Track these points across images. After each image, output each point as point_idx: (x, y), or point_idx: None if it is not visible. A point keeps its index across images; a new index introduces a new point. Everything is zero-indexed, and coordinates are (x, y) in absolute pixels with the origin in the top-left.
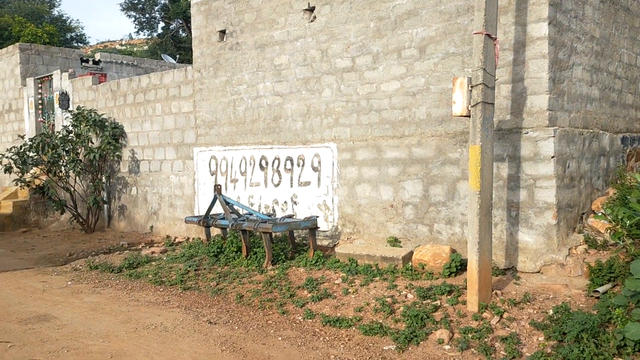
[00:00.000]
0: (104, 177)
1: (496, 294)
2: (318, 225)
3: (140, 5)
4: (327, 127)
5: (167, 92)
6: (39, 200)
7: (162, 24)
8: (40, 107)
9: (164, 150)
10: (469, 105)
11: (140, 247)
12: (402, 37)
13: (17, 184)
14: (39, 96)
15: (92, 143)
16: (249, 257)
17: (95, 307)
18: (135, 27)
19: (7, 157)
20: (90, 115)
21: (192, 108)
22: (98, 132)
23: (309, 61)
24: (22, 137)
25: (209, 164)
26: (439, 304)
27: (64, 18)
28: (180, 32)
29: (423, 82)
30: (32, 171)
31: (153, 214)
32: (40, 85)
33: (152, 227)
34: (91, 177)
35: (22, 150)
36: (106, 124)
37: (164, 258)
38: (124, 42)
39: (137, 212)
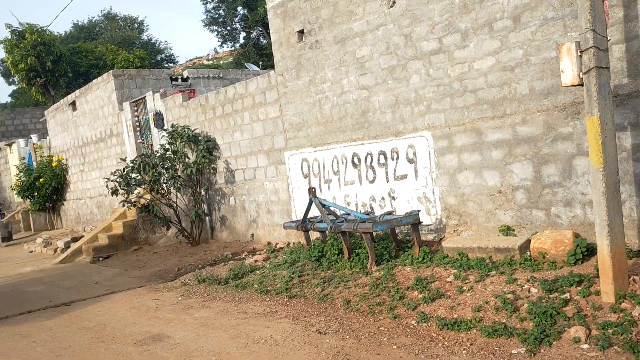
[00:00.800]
0: (202, 190)
1: (634, 280)
2: (421, 220)
3: (221, 19)
4: (419, 116)
5: (253, 100)
6: (146, 219)
7: (243, 34)
8: (138, 128)
9: (256, 158)
10: (580, 73)
11: (243, 256)
12: (492, 8)
13: (123, 205)
14: (136, 118)
15: (189, 158)
16: (351, 259)
17: (205, 322)
18: (218, 41)
19: (112, 180)
20: (184, 131)
21: (278, 112)
22: (193, 147)
23: (392, 49)
24: (124, 160)
25: (301, 167)
26: (569, 297)
27: (152, 41)
28: (261, 40)
29: (521, 54)
30: (136, 191)
31: (252, 222)
32: (135, 108)
33: (252, 235)
34: (191, 192)
35: (125, 172)
36: (199, 138)
37: (267, 266)
38: (210, 57)
39: (237, 221)
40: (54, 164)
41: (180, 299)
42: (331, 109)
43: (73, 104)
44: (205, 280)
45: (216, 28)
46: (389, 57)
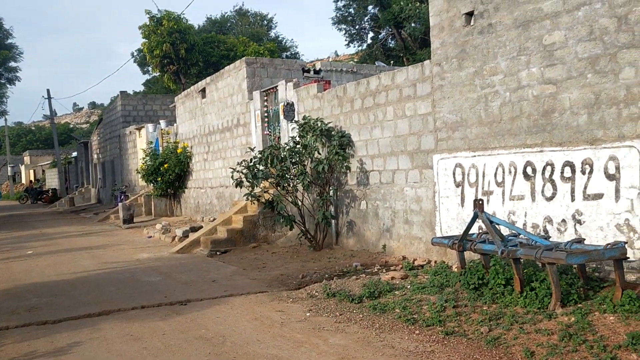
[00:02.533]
0: (330, 190)
1: None
2: (627, 255)
3: (351, 18)
4: (629, 120)
5: (400, 93)
6: (267, 215)
7: (371, 34)
8: (266, 119)
9: (396, 159)
10: None
11: (375, 269)
12: None
13: (247, 199)
14: (265, 109)
15: (319, 154)
16: (523, 293)
17: (344, 354)
18: (345, 40)
19: (238, 172)
20: (317, 124)
21: (430, 108)
22: (325, 142)
23: (597, 34)
24: (252, 150)
25: (453, 174)
26: None
27: (280, 38)
28: (389, 41)
29: None
30: (261, 185)
31: (385, 231)
32: (265, 98)
33: (384, 246)
34: (318, 191)
35: (252, 163)
36: (333, 132)
37: (408, 286)
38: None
39: (367, 228)
40: (179, 151)
41: (308, 314)
42: (500, 107)
43: (203, 91)
44: (336, 295)
45: (344, 27)
46: (590, 44)
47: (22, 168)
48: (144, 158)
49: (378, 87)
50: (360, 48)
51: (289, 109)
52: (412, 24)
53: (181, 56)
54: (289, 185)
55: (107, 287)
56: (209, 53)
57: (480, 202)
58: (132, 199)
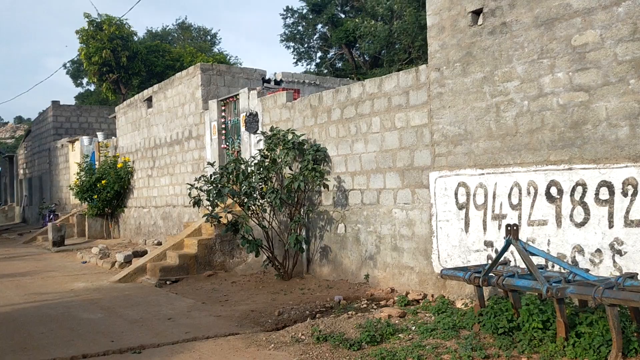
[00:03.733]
0: (302, 211)
1: None
2: None
3: (299, 36)
4: None
5: (389, 102)
6: (225, 239)
7: (319, 53)
8: (223, 132)
9: (382, 177)
10: None
11: (363, 304)
12: None
13: (207, 220)
14: (222, 120)
15: (291, 170)
16: (569, 340)
17: None
18: (293, 58)
19: (196, 188)
20: (287, 137)
21: (425, 119)
22: (296, 156)
23: None
24: (212, 165)
25: (455, 194)
26: None
27: (224, 54)
28: (337, 61)
29: None
30: (222, 205)
31: (368, 258)
32: (223, 108)
33: (367, 276)
34: (288, 212)
35: (213, 180)
36: (305, 146)
37: (412, 328)
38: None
39: (346, 255)
40: (119, 165)
41: None
42: (516, 118)
43: (149, 100)
44: (328, 339)
45: (293, 44)
46: (634, 45)
47: None
48: (78, 173)
49: (362, 96)
50: (308, 67)
51: (252, 119)
52: (366, 43)
53: (122, 64)
54: (254, 204)
55: (35, 328)
56: (152, 62)
57: (514, 228)
58: (62, 219)
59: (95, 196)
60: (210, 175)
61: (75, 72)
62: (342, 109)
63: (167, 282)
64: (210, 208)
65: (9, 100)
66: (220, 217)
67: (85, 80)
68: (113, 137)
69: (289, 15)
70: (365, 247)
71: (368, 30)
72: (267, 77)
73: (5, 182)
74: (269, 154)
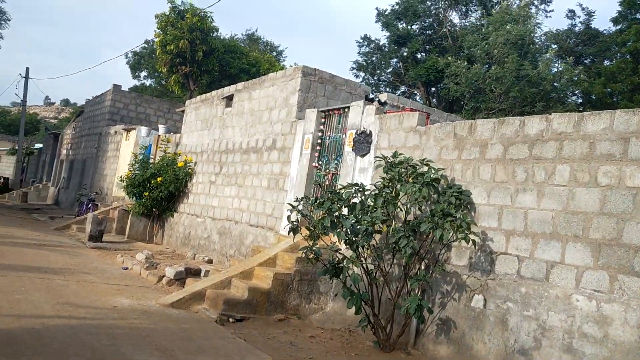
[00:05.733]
0: (420, 267)
1: None
2: None
3: (372, 66)
4: None
5: (591, 148)
6: (305, 278)
7: (388, 89)
8: (317, 148)
9: (560, 247)
10: None
11: None
12: None
13: (305, 255)
14: (319, 134)
15: (420, 211)
16: None
17: None
18: None
19: (295, 209)
20: (418, 168)
21: None
22: (428, 196)
23: None
24: (320, 185)
25: None
26: None
27: None
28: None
29: None
30: (303, 234)
31: (519, 353)
32: (323, 121)
33: None
34: (404, 264)
35: (331, 205)
36: (443, 186)
37: None
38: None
39: (480, 339)
40: (179, 165)
41: None
42: None
43: (229, 98)
44: None
45: (363, 74)
46: None
47: None
48: (132, 164)
49: (543, 133)
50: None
51: (363, 139)
52: (453, 83)
53: (197, 59)
54: (367, 247)
55: None
56: (228, 63)
57: None
58: (102, 211)
59: (147, 193)
60: (303, 199)
61: (136, 63)
62: (507, 146)
63: (230, 319)
64: (311, 241)
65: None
66: (322, 254)
67: (143, 74)
68: (176, 134)
69: (366, 44)
70: (515, 336)
71: (459, 71)
72: (370, 96)
73: (44, 160)
74: (391, 185)
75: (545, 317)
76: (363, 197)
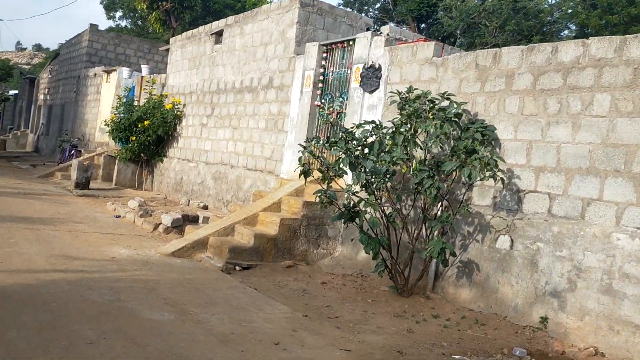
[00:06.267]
0: (439, 208)
1: None
2: None
3: (357, 3)
4: None
5: (634, 74)
6: (312, 222)
7: (375, 26)
8: (319, 85)
9: (598, 183)
10: None
11: None
12: None
13: (320, 198)
14: (321, 70)
15: (440, 149)
16: None
17: None
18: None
19: (307, 151)
20: (436, 103)
21: None
22: (449, 132)
23: None
24: (331, 124)
25: None
26: None
27: None
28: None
29: None
30: (315, 177)
31: (551, 295)
32: (325, 56)
33: (544, 319)
34: (421, 204)
35: (350, 147)
36: (464, 121)
37: None
38: None
39: (507, 281)
40: (167, 106)
41: None
42: None
43: (218, 34)
44: None
45: (350, 10)
46: None
47: None
48: (117, 108)
49: (579, 60)
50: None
51: (371, 74)
52: (447, 17)
53: None
54: (384, 189)
55: (77, 325)
56: None
57: None
58: (87, 157)
59: (134, 138)
60: (313, 139)
61: (110, 3)
62: (537, 75)
63: (236, 268)
64: (325, 183)
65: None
66: (337, 197)
67: (118, 14)
68: (160, 74)
69: None
70: (546, 277)
71: (454, 4)
72: (372, 28)
73: (21, 106)
74: (409, 122)
75: (581, 258)
76: (380, 136)
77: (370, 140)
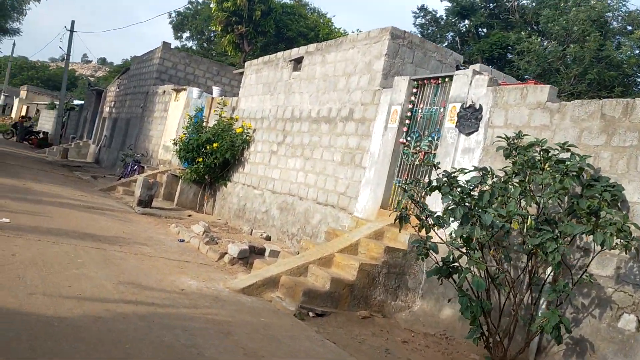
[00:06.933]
0: (547, 270)
1: None
2: None
3: (428, 39)
4: None
5: None
6: (393, 271)
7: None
8: (406, 122)
9: None
10: None
11: None
12: None
13: (418, 250)
14: (410, 106)
15: (559, 205)
16: None
17: None
18: None
19: (407, 194)
20: (554, 155)
21: None
22: (570, 188)
23: None
24: (436, 167)
25: None
26: None
27: None
28: None
29: None
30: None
31: None
32: (415, 91)
33: None
34: (528, 267)
35: (458, 194)
36: (582, 175)
37: None
38: None
39: None
40: (238, 130)
41: None
42: None
43: (297, 60)
44: None
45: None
46: None
47: (16, 101)
48: (186, 127)
49: None
50: None
51: (470, 115)
52: (525, 62)
53: (254, 18)
54: (490, 246)
55: None
56: (286, 25)
57: None
58: (150, 174)
59: (200, 159)
60: (413, 181)
61: (179, 23)
62: None
63: (310, 314)
64: (422, 230)
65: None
66: (431, 245)
67: (186, 35)
68: (232, 97)
69: (422, 15)
70: None
71: (533, 47)
72: (461, 67)
73: (85, 117)
74: (520, 172)
75: None
76: (492, 185)
77: (479, 189)
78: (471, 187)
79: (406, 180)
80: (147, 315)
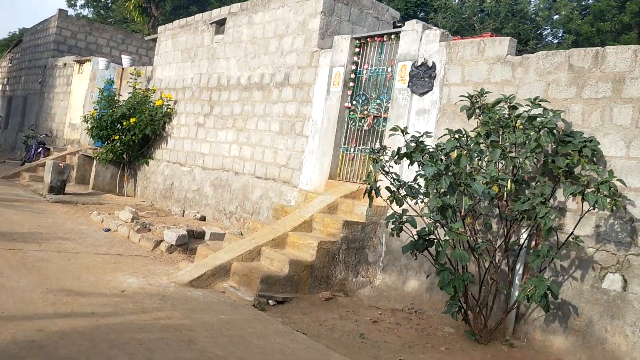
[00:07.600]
0: (523, 234)
1: None
2: None
3: None
4: None
5: None
6: (352, 246)
7: None
8: (350, 84)
9: None
10: None
11: None
12: None
13: (392, 224)
14: (353, 67)
15: (529, 166)
16: None
17: None
18: None
19: (378, 165)
20: (516, 110)
21: None
22: (545, 146)
23: None
24: (404, 132)
25: None
26: None
27: None
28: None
29: None
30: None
31: None
32: (357, 51)
33: None
34: (503, 233)
35: (436, 158)
36: (556, 131)
37: None
38: None
39: (618, 331)
40: (157, 103)
41: None
42: None
43: (220, 23)
44: None
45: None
46: None
47: None
48: (97, 102)
49: None
50: None
51: (423, 73)
52: (441, 18)
53: None
54: (476, 218)
55: None
56: None
57: None
58: (58, 157)
59: (117, 137)
60: (382, 149)
61: None
62: None
63: (270, 302)
64: (398, 204)
65: None
66: (406, 220)
67: (80, 2)
68: (146, 66)
69: None
70: None
71: (449, 4)
72: (398, 23)
73: None
74: (493, 133)
75: None
76: (469, 149)
77: (452, 154)
78: (445, 152)
79: (354, 147)
80: (88, 330)
